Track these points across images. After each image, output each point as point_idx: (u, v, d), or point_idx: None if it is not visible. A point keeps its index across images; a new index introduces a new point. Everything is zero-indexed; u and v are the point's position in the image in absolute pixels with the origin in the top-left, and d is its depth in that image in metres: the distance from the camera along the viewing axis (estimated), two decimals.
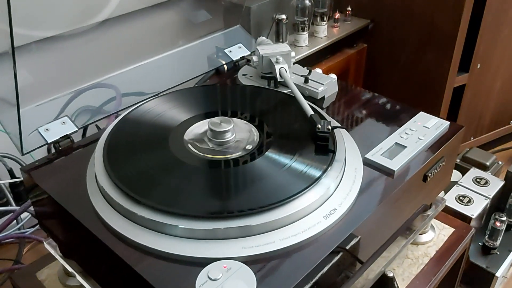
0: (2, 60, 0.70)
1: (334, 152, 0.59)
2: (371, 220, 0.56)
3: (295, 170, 0.57)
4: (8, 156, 1.03)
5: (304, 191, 0.53)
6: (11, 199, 1.03)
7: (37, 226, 1.04)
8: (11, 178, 1.05)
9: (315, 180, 0.55)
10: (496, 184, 1.06)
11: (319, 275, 0.50)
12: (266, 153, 0.60)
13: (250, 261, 0.48)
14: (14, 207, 1.00)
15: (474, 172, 1.10)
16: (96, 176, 0.58)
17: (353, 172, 0.59)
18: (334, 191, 0.56)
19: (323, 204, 0.54)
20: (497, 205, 1.09)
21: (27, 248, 1.05)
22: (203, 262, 0.48)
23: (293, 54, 0.78)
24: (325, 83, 0.75)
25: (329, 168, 0.57)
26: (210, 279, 0.46)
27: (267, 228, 0.51)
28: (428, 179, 0.64)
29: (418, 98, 1.34)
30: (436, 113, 0.71)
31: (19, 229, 1.03)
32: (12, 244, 1.06)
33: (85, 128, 0.88)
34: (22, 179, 1.04)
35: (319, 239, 0.51)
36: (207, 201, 0.54)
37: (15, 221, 1.00)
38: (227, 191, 0.56)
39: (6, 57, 0.69)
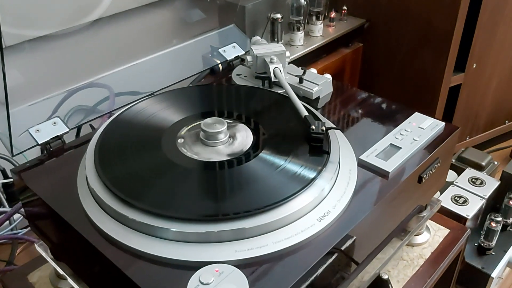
0: None
1: (328, 153, 0.59)
2: (365, 222, 0.55)
3: (289, 172, 0.56)
4: (0, 156, 1.02)
5: (298, 193, 0.53)
6: (3, 199, 1.02)
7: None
8: (4, 179, 1.04)
9: (309, 182, 0.54)
10: (491, 185, 1.06)
11: (313, 277, 0.50)
12: (260, 154, 0.59)
13: (242, 264, 0.48)
14: (6, 208, 0.99)
15: (469, 172, 1.10)
16: (87, 178, 0.57)
17: (347, 173, 0.59)
18: (328, 193, 0.55)
19: (317, 206, 0.54)
20: (492, 205, 1.09)
21: (19, 249, 1.04)
22: (195, 266, 0.47)
23: (287, 53, 0.77)
24: (320, 83, 0.74)
25: (323, 170, 0.56)
26: (202, 283, 0.45)
27: (260, 231, 0.50)
28: (423, 180, 0.64)
29: (414, 98, 1.34)
30: (431, 113, 0.70)
31: (11, 230, 1.02)
32: (4, 245, 1.05)
33: (79, 128, 0.87)
34: None
35: (312, 242, 0.51)
36: (199, 204, 0.54)
37: (7, 222, 0.99)
38: (220, 194, 0.55)
39: None
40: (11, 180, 1.03)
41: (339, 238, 0.51)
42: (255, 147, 0.61)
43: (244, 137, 0.63)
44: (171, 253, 0.49)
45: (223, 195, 0.55)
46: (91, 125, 0.93)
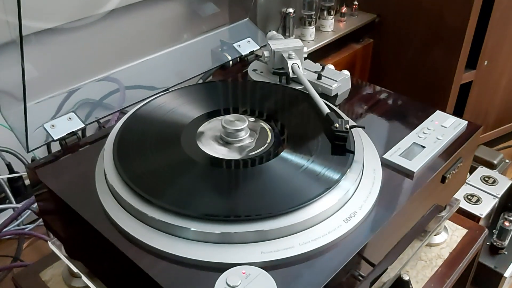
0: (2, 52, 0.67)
1: (353, 152, 0.57)
2: (390, 223, 0.54)
3: (313, 172, 0.55)
4: (6, 150, 1.01)
5: (324, 194, 0.51)
6: (10, 194, 1.00)
7: (37, 222, 1.02)
8: (10, 173, 1.02)
9: (335, 182, 0.53)
10: (504, 183, 1.05)
11: (330, 278, 0.48)
12: (282, 153, 0.57)
13: (269, 266, 0.46)
14: (14, 204, 0.97)
15: (481, 170, 1.09)
16: (105, 174, 0.55)
17: (372, 173, 0.57)
18: (354, 193, 0.54)
19: (343, 207, 0.52)
20: (504, 204, 1.08)
21: (26, 244, 1.03)
22: (220, 268, 0.46)
23: (305, 49, 0.75)
24: (339, 80, 0.73)
25: (348, 170, 0.55)
26: (229, 285, 0.44)
27: (286, 232, 0.49)
28: (447, 180, 0.63)
29: (424, 95, 1.33)
30: (442, 110, 0.69)
31: (18, 225, 1.01)
32: (10, 240, 1.03)
33: None
34: (21, 174, 1.02)
35: (340, 243, 0.50)
36: (222, 203, 0.52)
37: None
38: (243, 193, 0.54)
39: (5, 49, 0.66)
40: (17, 174, 1.01)
41: (367, 239, 0.50)
42: (277, 146, 0.59)
43: (266, 135, 0.61)
44: (195, 254, 0.48)
45: (246, 195, 0.53)
46: (98, 122, 0.91)
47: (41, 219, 0.99)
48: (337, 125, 0.59)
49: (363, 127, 0.62)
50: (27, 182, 1.04)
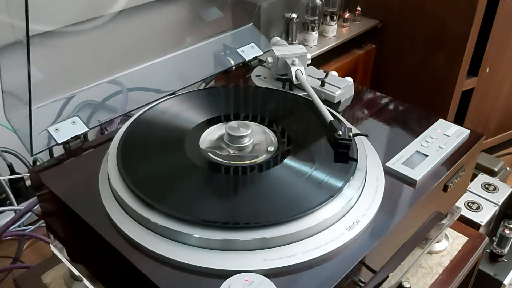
0: (4, 53, 0.67)
1: (356, 160, 0.57)
2: (393, 231, 0.54)
3: (316, 179, 0.55)
4: (7, 151, 1.01)
5: (327, 202, 0.51)
6: (11, 194, 1.00)
7: (38, 224, 1.02)
8: (11, 173, 1.02)
9: (337, 190, 0.53)
10: (505, 191, 1.05)
11: (333, 286, 0.48)
12: (285, 160, 0.58)
13: (271, 274, 0.47)
14: (16, 206, 0.97)
15: (482, 178, 1.09)
16: (109, 179, 0.55)
17: (374, 181, 0.58)
18: (357, 201, 0.54)
19: (346, 215, 0.53)
20: (504, 212, 1.08)
21: (26, 245, 1.03)
22: (223, 274, 0.46)
23: (308, 56, 0.76)
24: (342, 87, 0.73)
25: (351, 178, 0.55)
26: None
27: (289, 240, 0.49)
28: (449, 189, 0.63)
29: (426, 101, 1.33)
30: (443, 117, 0.70)
31: (18, 226, 1.01)
32: (11, 241, 1.03)
33: None
34: (22, 175, 1.02)
35: (342, 252, 0.50)
36: (225, 210, 0.52)
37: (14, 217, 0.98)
38: (246, 200, 0.54)
39: (9, 51, 0.66)
40: (19, 175, 1.02)
41: (370, 247, 0.50)
42: (280, 153, 0.59)
43: (269, 142, 0.61)
44: (197, 261, 0.48)
45: (249, 202, 0.53)
46: (101, 126, 0.91)
47: (41, 220, 0.99)
48: (340, 133, 0.59)
49: (366, 135, 0.63)
50: (28, 183, 1.04)
